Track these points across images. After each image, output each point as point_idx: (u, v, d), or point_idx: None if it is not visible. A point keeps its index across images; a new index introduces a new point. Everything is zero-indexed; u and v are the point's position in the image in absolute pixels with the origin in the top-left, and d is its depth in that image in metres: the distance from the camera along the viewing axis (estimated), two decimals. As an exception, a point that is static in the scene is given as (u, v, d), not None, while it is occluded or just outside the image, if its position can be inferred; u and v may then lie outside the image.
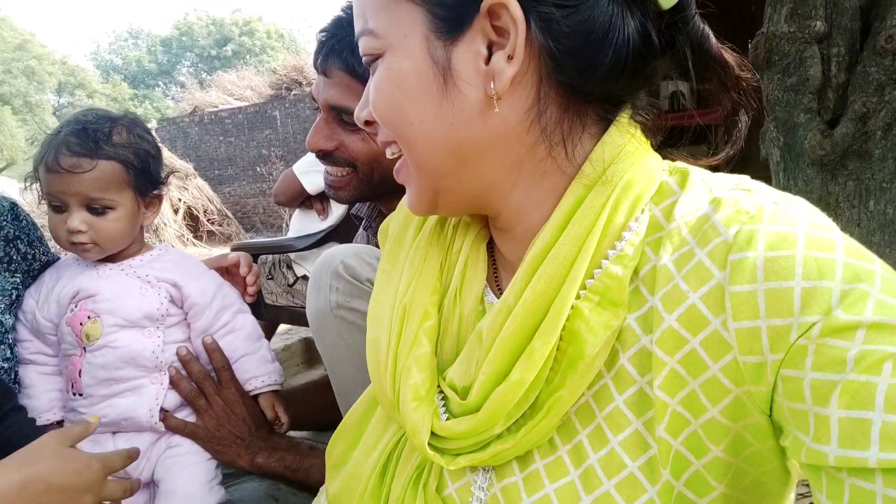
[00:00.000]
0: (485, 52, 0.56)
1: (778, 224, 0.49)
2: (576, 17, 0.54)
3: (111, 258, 1.10)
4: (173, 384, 1.08)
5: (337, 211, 2.28)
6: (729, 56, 0.59)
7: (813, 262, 0.46)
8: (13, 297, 1.08)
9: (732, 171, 0.60)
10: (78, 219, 1.02)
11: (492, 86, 0.56)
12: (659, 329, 0.52)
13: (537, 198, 0.61)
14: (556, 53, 0.55)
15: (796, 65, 2.07)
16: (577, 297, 0.55)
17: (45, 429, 1.07)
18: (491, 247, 0.70)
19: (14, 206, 1.12)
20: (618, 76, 0.57)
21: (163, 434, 1.10)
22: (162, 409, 1.07)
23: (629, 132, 0.59)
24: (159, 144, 1.14)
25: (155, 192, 1.12)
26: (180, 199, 10.48)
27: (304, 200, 2.32)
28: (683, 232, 0.53)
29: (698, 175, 0.58)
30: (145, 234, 1.17)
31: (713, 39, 0.58)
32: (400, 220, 0.77)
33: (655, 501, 0.52)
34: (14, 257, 1.10)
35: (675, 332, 0.51)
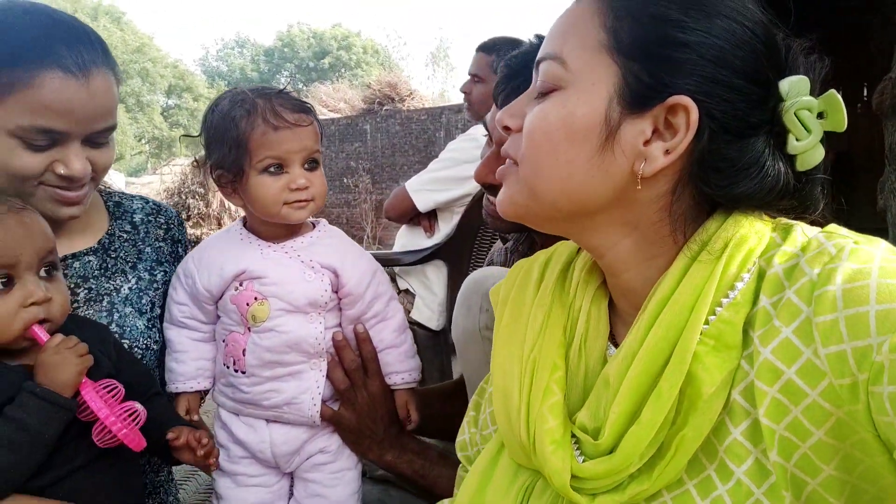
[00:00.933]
0: (649, 134, 0.63)
1: (855, 261, 0.55)
2: (735, 144, 0.62)
3: (275, 238, 1.12)
4: (328, 371, 1.11)
5: (445, 229, 2.34)
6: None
7: (885, 288, 0.52)
8: None
9: (845, 222, 0.66)
10: (303, 175, 1.06)
11: (641, 166, 0.62)
12: (757, 362, 0.58)
13: (648, 252, 0.68)
14: (706, 165, 0.63)
15: (926, 114, 1.96)
16: None
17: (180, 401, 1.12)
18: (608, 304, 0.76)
19: (179, 214, 1.23)
20: (747, 200, 0.64)
21: (316, 431, 1.12)
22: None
23: (740, 210, 0.66)
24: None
25: None
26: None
27: (412, 217, 2.39)
28: (780, 276, 0.60)
29: (800, 229, 0.64)
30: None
31: (819, 203, 0.67)
32: (517, 281, 0.83)
33: None
34: (179, 256, 1.23)
35: (771, 363, 0.57)
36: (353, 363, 1.10)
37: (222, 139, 1.05)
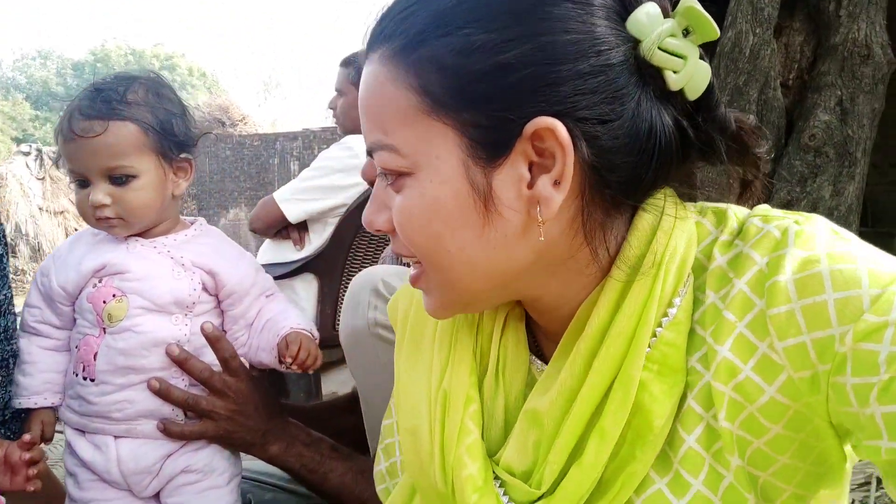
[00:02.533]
0: (527, 175, 0.54)
1: (801, 247, 0.52)
2: (619, 129, 0.53)
3: (144, 234, 1.02)
4: (165, 394, 0.97)
5: (316, 242, 2.24)
6: (746, 136, 0.60)
7: (839, 274, 0.49)
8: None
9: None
10: (101, 192, 0.94)
11: (538, 211, 0.53)
12: (714, 362, 0.54)
13: (579, 283, 0.61)
14: (601, 170, 0.54)
15: (730, 151, 2.29)
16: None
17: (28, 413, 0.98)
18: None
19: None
20: (662, 177, 0.57)
21: (176, 447, 1.00)
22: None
23: (659, 206, 0.59)
24: (185, 103, 1.04)
25: (183, 155, 1.01)
26: (80, 228, 9.85)
27: (280, 229, 2.27)
28: (724, 268, 0.56)
29: (732, 212, 0.59)
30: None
31: (733, 121, 0.59)
32: (416, 297, 0.73)
33: None
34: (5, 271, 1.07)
35: (729, 361, 0.53)
36: (204, 372, 0.98)
37: None
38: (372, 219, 0.61)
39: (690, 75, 0.55)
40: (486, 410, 0.66)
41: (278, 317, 1.06)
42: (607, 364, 0.56)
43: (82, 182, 0.97)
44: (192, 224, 1.08)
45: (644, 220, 0.58)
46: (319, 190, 2.21)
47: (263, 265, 2.28)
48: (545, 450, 0.59)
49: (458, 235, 0.55)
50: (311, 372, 1.04)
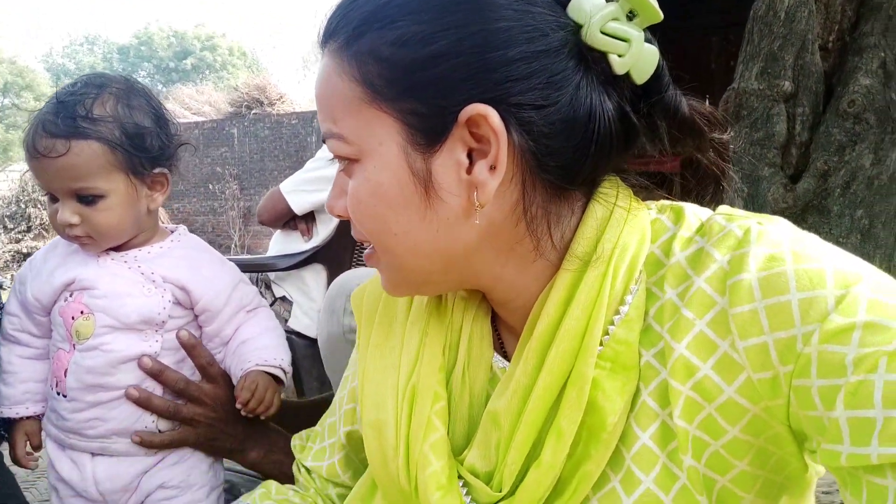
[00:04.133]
0: (465, 160, 0.55)
1: (765, 246, 0.51)
2: (556, 114, 0.53)
3: (119, 246, 0.98)
4: (144, 403, 0.95)
5: (323, 232, 2.23)
6: (701, 121, 0.59)
7: (804, 273, 0.48)
8: None
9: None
10: (68, 210, 0.90)
11: (475, 196, 0.54)
12: (671, 359, 0.53)
13: (532, 273, 0.60)
14: (539, 155, 0.54)
15: (763, 121, 2.18)
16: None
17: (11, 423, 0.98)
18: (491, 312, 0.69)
19: None
20: (603, 163, 0.57)
21: (152, 463, 0.98)
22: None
23: (611, 201, 0.59)
24: (164, 112, 0.98)
25: (157, 170, 0.95)
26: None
27: (288, 221, 2.27)
28: (682, 264, 0.55)
29: (690, 210, 0.59)
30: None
31: (685, 106, 0.58)
32: (384, 295, 0.74)
33: None
34: None
35: (686, 359, 0.52)
36: (179, 383, 0.97)
37: None
38: (332, 204, 0.63)
39: (636, 59, 0.54)
40: (453, 408, 0.66)
41: (249, 344, 1.01)
42: (558, 362, 0.56)
43: (52, 196, 0.93)
44: (171, 233, 1.04)
45: (594, 211, 0.59)
46: (325, 180, 2.17)
47: (275, 256, 2.30)
48: (504, 451, 0.58)
49: (401, 219, 0.57)
50: (262, 418, 0.99)
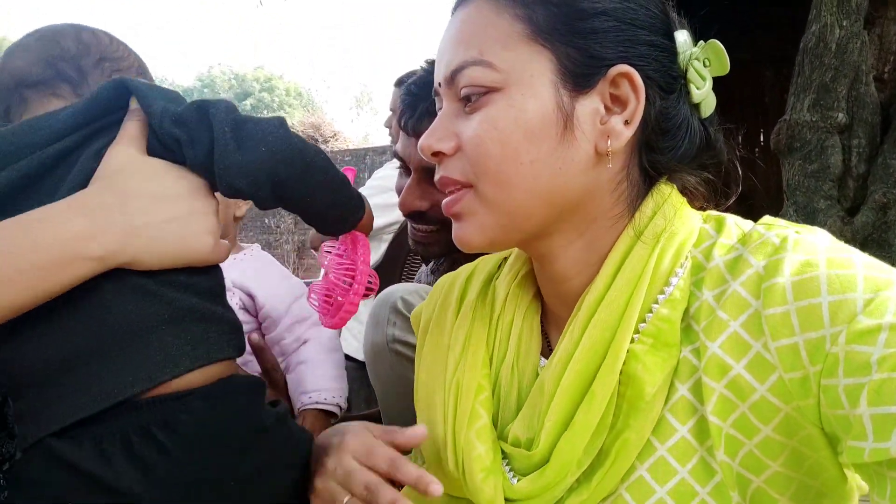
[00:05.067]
0: (603, 111, 0.61)
1: (801, 252, 0.54)
2: (671, 104, 0.63)
3: None
4: (256, 349, 1.03)
5: (373, 257, 2.30)
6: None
7: (836, 278, 0.50)
8: None
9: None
10: None
11: (608, 143, 0.60)
12: (705, 357, 0.55)
13: (598, 249, 0.64)
14: (656, 129, 0.63)
15: (817, 153, 2.14)
16: (632, 340, 0.58)
17: None
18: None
19: None
20: (687, 160, 0.65)
21: None
22: None
23: (667, 193, 0.65)
24: None
25: None
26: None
27: None
28: (721, 269, 0.58)
29: (732, 220, 0.63)
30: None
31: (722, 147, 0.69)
32: (439, 301, 0.79)
33: None
34: None
35: (719, 358, 0.54)
36: (272, 363, 1.04)
37: None
38: (432, 143, 0.64)
39: (705, 95, 0.64)
40: (503, 399, 0.69)
41: (309, 368, 1.06)
42: (599, 329, 0.60)
43: None
44: (245, 249, 1.14)
45: (657, 196, 0.64)
46: (374, 208, 2.22)
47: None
48: (544, 413, 0.61)
49: (533, 148, 0.59)
50: None
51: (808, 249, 0.54)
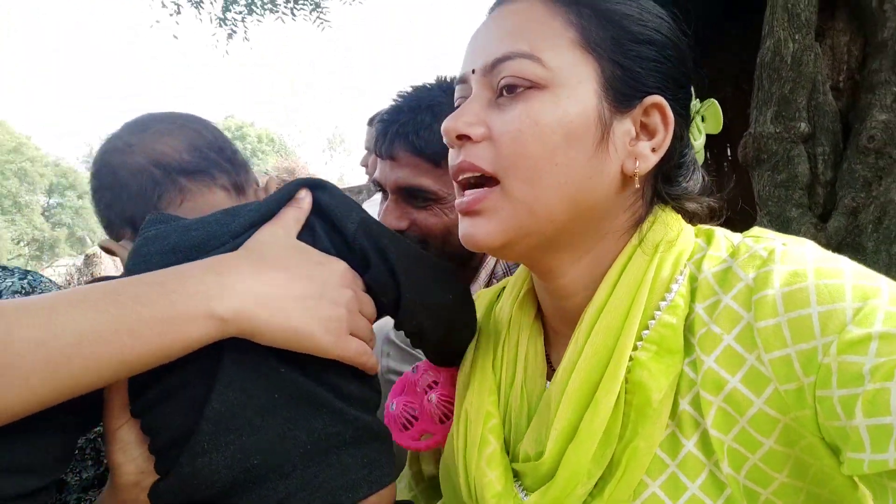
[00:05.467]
0: (635, 133, 0.63)
1: (789, 263, 0.54)
2: (685, 141, 0.68)
3: None
4: None
5: None
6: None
7: (824, 288, 0.51)
8: None
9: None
10: None
11: (636, 165, 0.62)
12: (700, 371, 0.55)
13: (603, 266, 0.65)
14: (674, 162, 0.67)
15: (784, 163, 2.19)
16: (635, 348, 0.58)
17: None
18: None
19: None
20: (691, 195, 0.68)
21: None
22: None
23: (663, 209, 0.67)
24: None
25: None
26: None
27: None
28: (710, 281, 0.59)
29: (721, 233, 0.65)
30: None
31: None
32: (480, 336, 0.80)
33: None
34: None
35: (715, 373, 0.55)
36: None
37: None
38: (459, 125, 0.62)
39: (699, 148, 0.69)
40: (514, 421, 0.69)
41: None
42: (600, 338, 0.60)
43: None
44: None
45: (657, 210, 0.67)
46: None
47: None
48: (551, 423, 0.61)
49: (571, 151, 0.60)
50: None
51: (797, 260, 0.54)
